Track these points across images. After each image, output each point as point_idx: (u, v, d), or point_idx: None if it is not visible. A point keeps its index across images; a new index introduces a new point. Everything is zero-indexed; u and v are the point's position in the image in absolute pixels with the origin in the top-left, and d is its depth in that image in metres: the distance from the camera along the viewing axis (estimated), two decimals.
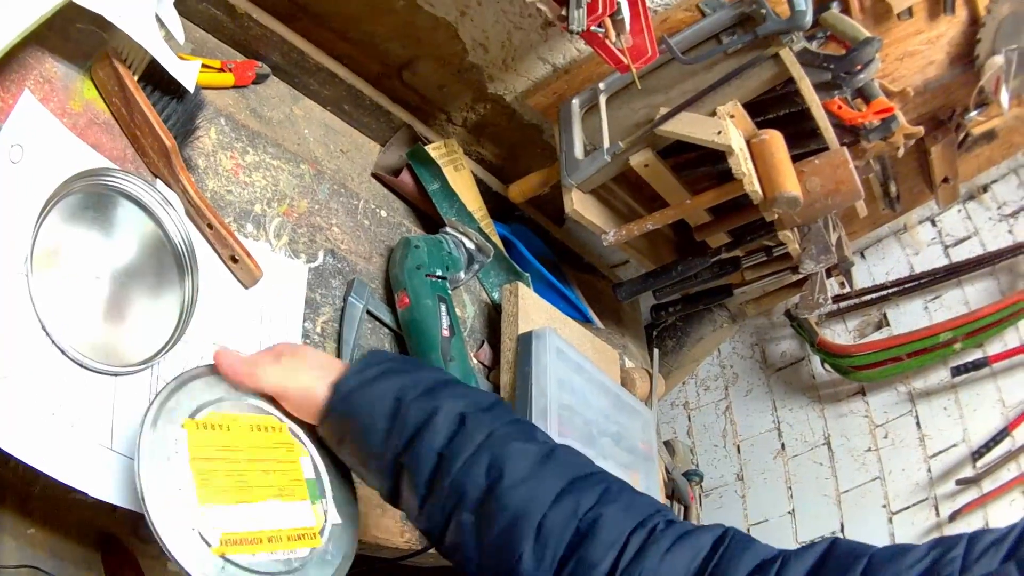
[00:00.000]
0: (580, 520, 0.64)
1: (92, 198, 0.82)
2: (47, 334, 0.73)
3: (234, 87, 1.13)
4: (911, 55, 1.45)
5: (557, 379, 1.17)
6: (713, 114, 1.14)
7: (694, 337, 1.92)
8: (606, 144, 1.21)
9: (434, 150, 1.29)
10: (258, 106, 1.17)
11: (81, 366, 0.75)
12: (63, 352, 0.73)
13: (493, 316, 1.30)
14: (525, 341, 1.18)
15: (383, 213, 1.22)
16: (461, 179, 1.32)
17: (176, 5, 0.90)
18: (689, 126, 1.14)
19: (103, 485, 0.72)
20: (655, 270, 1.44)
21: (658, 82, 1.21)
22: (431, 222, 1.32)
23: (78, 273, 0.79)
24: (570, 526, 0.63)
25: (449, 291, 1.13)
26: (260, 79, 1.17)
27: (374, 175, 1.32)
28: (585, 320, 1.55)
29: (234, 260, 0.94)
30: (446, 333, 1.09)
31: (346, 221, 1.16)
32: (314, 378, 0.76)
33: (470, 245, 1.19)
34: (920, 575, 0.53)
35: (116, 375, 0.78)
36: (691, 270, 1.39)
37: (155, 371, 0.82)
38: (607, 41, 0.99)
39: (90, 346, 0.75)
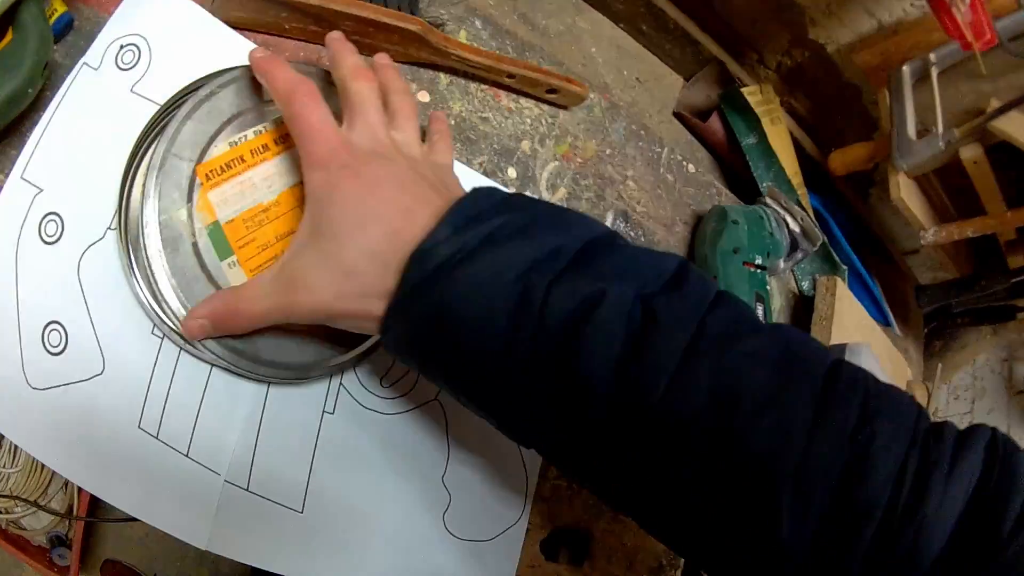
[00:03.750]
0: (849, 451, 0.38)
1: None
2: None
3: None
4: None
5: None
6: None
7: (960, 343, 1.64)
8: (940, 129, 0.96)
9: (750, 95, 1.00)
10: (529, 11, 0.90)
11: None
12: None
13: (800, 311, 1.01)
14: (837, 354, 0.93)
15: (690, 168, 0.92)
16: (777, 135, 1.02)
17: None
18: (1020, 129, 0.91)
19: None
20: (960, 280, 1.21)
21: (986, 68, 0.95)
22: (737, 181, 1.04)
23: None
24: (837, 461, 0.38)
25: (768, 287, 0.85)
26: None
27: (676, 114, 1.04)
28: (884, 323, 1.27)
29: (552, 91, 0.77)
30: None
31: (645, 174, 0.87)
32: (383, 233, 0.43)
33: (794, 227, 0.88)
34: None
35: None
36: (993, 286, 1.17)
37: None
38: (954, 10, 0.80)
39: None
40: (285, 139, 0.56)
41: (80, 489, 1.14)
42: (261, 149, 0.55)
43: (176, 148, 0.51)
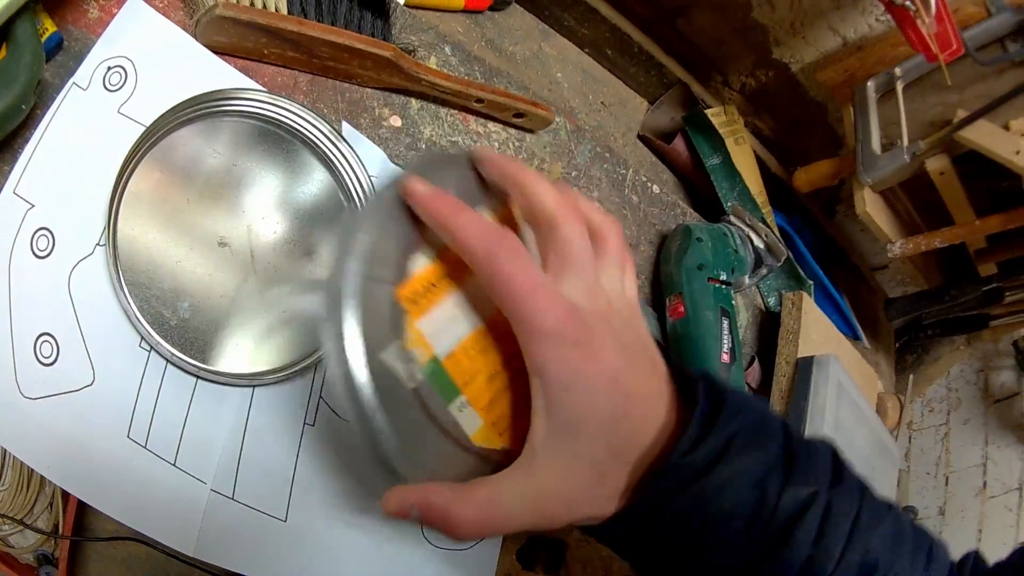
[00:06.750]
0: None
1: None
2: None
3: (465, 11, 0.91)
4: None
5: (834, 419, 0.94)
6: (1006, 128, 0.92)
7: (932, 355, 1.67)
8: (905, 141, 0.97)
9: (714, 117, 1.02)
10: (497, 37, 0.92)
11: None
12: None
13: (767, 327, 1.02)
14: (805, 368, 0.92)
15: (655, 188, 0.94)
16: (742, 155, 1.04)
17: None
18: (988, 137, 0.93)
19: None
20: (928, 291, 1.23)
21: (952, 78, 0.96)
22: (703, 201, 1.06)
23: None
24: None
25: (733, 302, 0.88)
26: (499, 5, 0.94)
27: (641, 137, 1.06)
28: (853, 337, 1.28)
29: (519, 115, 0.81)
30: (726, 358, 0.81)
31: (611, 195, 0.89)
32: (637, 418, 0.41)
33: (759, 243, 0.91)
34: None
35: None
36: (963, 296, 1.19)
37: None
38: (918, 22, 0.80)
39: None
40: None
41: (65, 508, 1.17)
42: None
43: (371, 267, 0.39)
